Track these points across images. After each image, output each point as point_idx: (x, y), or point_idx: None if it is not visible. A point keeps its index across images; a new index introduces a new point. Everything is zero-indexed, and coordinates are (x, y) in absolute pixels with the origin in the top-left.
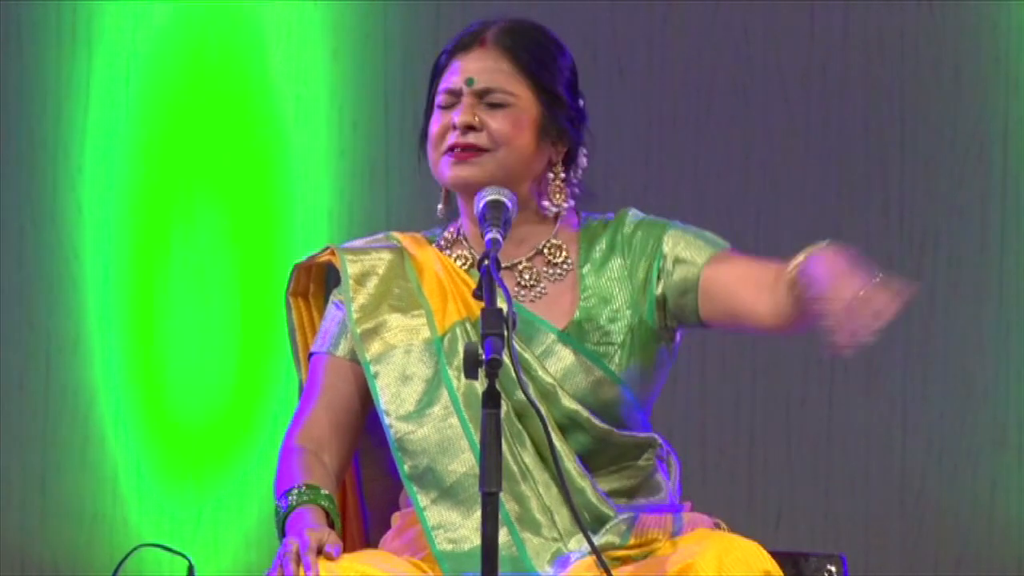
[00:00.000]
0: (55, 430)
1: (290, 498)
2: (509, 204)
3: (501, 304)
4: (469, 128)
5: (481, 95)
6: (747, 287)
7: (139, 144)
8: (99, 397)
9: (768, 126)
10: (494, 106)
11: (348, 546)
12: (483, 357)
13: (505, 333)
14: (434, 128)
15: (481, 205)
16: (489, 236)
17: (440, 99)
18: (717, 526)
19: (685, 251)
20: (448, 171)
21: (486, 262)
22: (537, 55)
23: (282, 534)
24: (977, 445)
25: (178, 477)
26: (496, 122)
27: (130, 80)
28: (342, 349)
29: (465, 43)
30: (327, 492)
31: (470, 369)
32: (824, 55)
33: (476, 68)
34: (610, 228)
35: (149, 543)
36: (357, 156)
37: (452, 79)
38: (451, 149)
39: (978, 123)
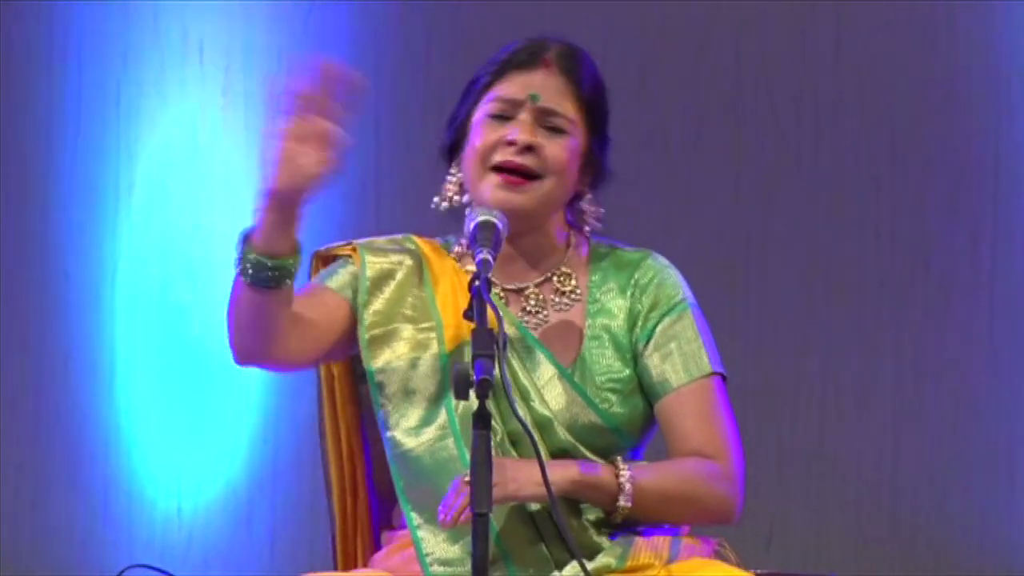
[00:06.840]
0: (45, 451)
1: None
2: (500, 225)
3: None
4: (528, 148)
5: (542, 115)
6: (673, 442)
7: (130, 162)
8: (89, 418)
9: (759, 147)
10: (552, 130)
11: (354, 531)
12: (473, 378)
13: (496, 354)
14: (485, 139)
15: (472, 226)
16: (480, 257)
17: (491, 107)
18: (721, 546)
19: (673, 358)
20: (491, 193)
21: (476, 283)
22: (595, 85)
23: (243, 241)
24: (968, 464)
25: (168, 497)
26: (553, 148)
27: (120, 98)
28: (335, 283)
29: (524, 60)
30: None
31: (460, 390)
32: (815, 76)
33: (541, 86)
34: (625, 270)
35: (138, 564)
36: (346, 173)
37: (512, 89)
38: (500, 169)
39: (969, 145)
